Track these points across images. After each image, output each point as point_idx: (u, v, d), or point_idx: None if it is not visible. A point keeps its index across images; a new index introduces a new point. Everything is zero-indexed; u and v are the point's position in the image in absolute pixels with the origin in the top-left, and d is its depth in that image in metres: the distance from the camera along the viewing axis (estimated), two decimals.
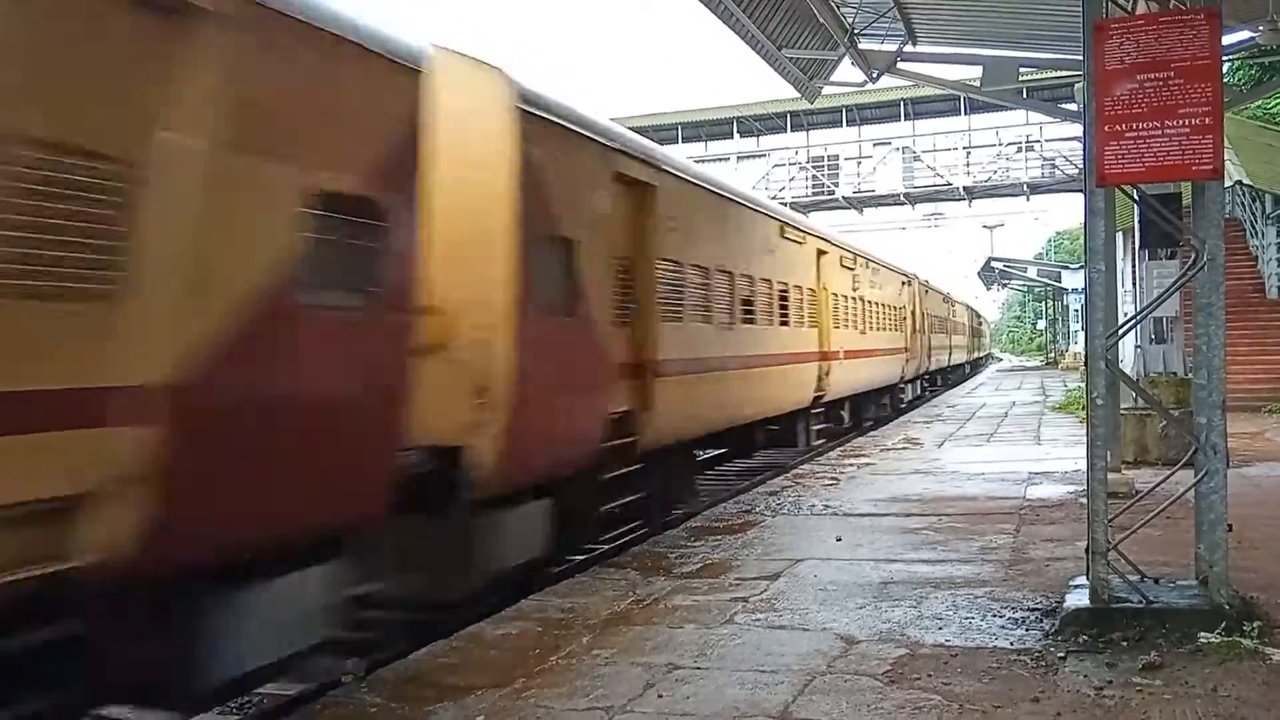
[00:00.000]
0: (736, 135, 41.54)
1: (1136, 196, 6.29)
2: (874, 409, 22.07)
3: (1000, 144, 37.78)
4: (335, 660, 5.71)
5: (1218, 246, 5.35)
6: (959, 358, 43.45)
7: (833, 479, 12.15)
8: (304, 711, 4.91)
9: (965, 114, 37.66)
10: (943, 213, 45.44)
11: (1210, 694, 4.43)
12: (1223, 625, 5.08)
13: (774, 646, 5.39)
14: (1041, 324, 73.78)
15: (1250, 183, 20.36)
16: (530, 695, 4.77)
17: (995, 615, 5.83)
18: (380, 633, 6.29)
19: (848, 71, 14.21)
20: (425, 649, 5.72)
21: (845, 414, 19.34)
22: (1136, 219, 13.06)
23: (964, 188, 38.02)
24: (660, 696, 4.68)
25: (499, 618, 6.28)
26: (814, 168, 39.63)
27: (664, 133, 37.40)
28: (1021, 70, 14.57)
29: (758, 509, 10.07)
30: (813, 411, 15.90)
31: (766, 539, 8.52)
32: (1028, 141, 37.20)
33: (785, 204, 28.73)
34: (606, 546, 8.66)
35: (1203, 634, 5.06)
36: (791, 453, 15.63)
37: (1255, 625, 5.11)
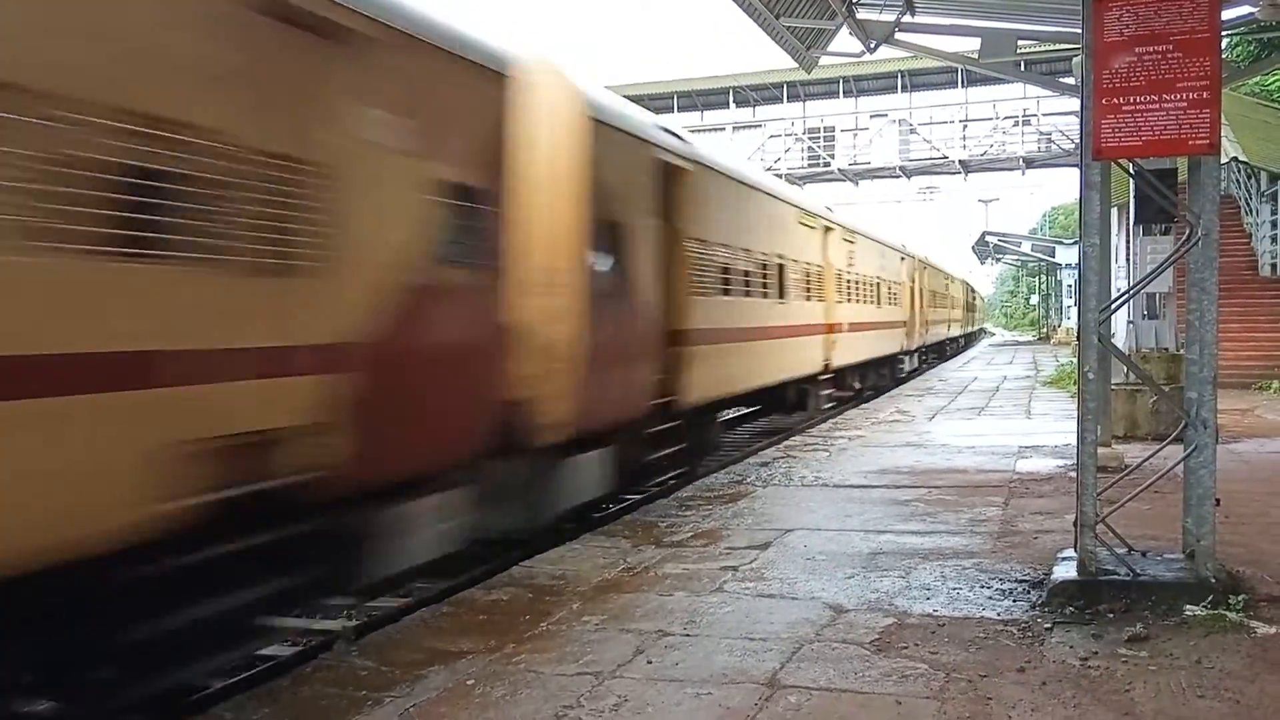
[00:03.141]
0: (733, 105, 41.31)
1: (1133, 171, 6.28)
2: (874, 378, 22.98)
3: (997, 118, 37.68)
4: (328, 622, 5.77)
5: (1212, 222, 5.35)
6: (954, 331, 43.80)
7: (824, 450, 12.20)
8: (295, 674, 4.93)
9: (962, 87, 37.52)
10: (938, 186, 45.39)
11: (1194, 665, 4.48)
12: (1208, 598, 5.13)
13: (763, 615, 5.43)
14: (1035, 299, 73.89)
15: (1246, 159, 20.33)
16: (520, 660, 4.81)
17: (983, 586, 5.88)
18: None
19: (845, 42, 14.07)
20: (416, 614, 5.76)
21: (855, 382, 20.57)
22: (1132, 194, 13.03)
23: (960, 161, 37.93)
24: (649, 663, 4.72)
25: (490, 583, 6.32)
26: (810, 139, 39.48)
27: (660, 101, 37.18)
28: (1020, 43, 14.47)
29: (749, 479, 10.10)
30: (821, 379, 16.88)
31: (757, 509, 8.56)
32: (1024, 115, 37.11)
33: (780, 175, 28.76)
34: (655, 489, 10.09)
35: (1188, 607, 5.11)
36: (798, 417, 16.70)
37: (1240, 599, 5.16)
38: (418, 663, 4.82)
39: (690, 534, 7.60)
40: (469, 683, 4.53)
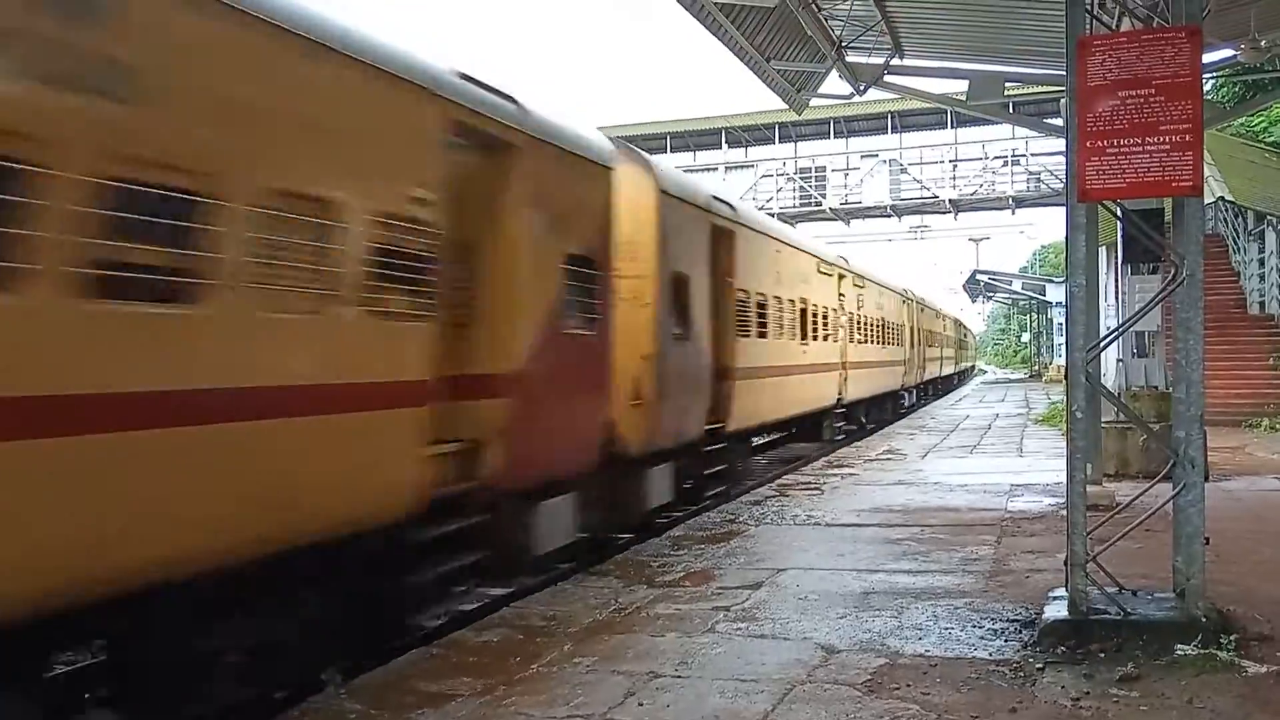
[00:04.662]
0: (725, 145, 41.65)
1: (1119, 212, 6.35)
2: (878, 412, 24.47)
3: (986, 157, 38.03)
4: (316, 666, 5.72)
5: (1197, 262, 5.41)
6: (947, 369, 44.17)
7: (816, 489, 12.19)
8: (283, 717, 4.89)
9: (952, 127, 37.90)
10: (929, 225, 45.73)
11: (1186, 705, 4.47)
12: (1199, 638, 5.12)
13: (755, 655, 5.41)
14: (1026, 337, 74.13)
15: (1233, 199, 20.55)
16: (510, 702, 4.78)
17: (975, 626, 5.86)
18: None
19: (835, 84, 14.29)
20: (406, 656, 5.72)
21: (862, 416, 22.36)
22: (1120, 234, 13.16)
23: (950, 200, 38.25)
24: (641, 705, 4.69)
25: (481, 625, 6.29)
26: (801, 179, 39.79)
27: (653, 142, 37.47)
28: (1007, 85, 14.68)
29: (741, 518, 10.09)
30: (835, 411, 18.88)
31: (749, 548, 8.54)
32: (1013, 155, 37.48)
33: (773, 214, 28.93)
34: (709, 500, 11.50)
35: (1179, 646, 5.10)
36: (812, 445, 18.54)
37: (1231, 638, 5.16)
38: (407, 705, 4.79)
39: (682, 574, 7.58)
40: None
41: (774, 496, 11.64)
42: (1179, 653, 5.06)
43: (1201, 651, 5.04)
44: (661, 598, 6.81)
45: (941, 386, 40.80)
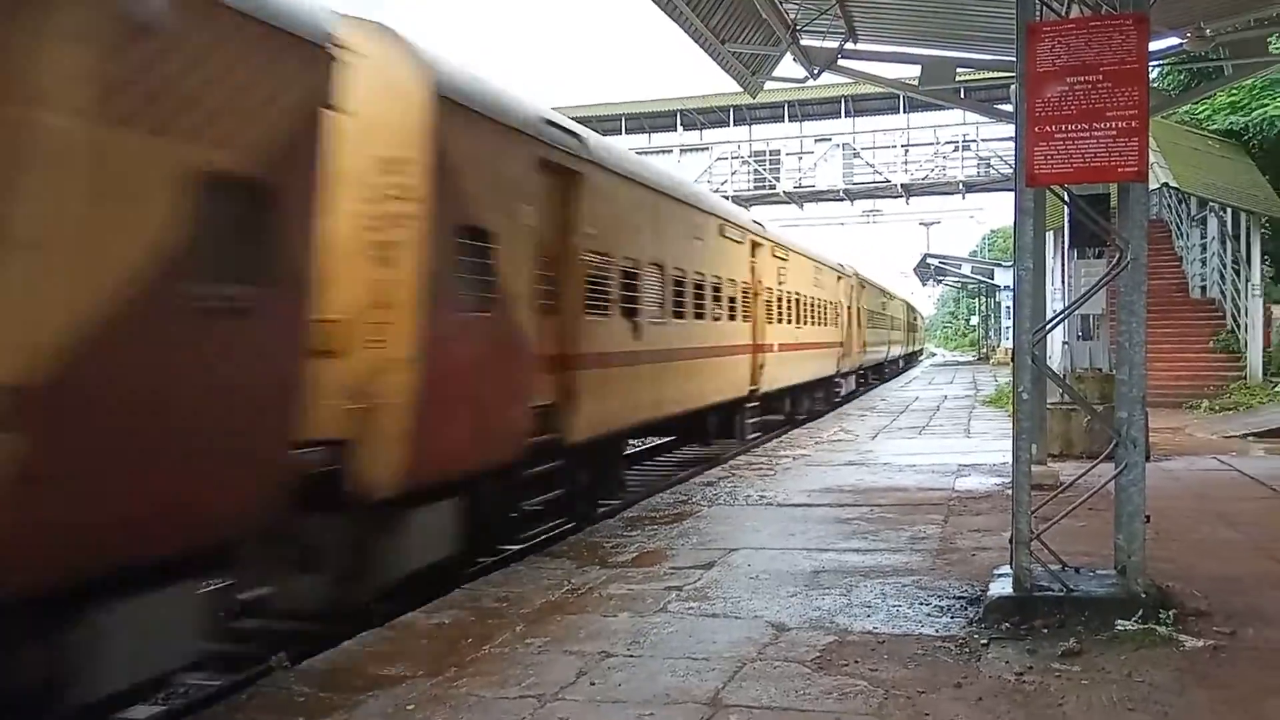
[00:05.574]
0: (680, 128, 41.62)
1: (1066, 197, 6.44)
2: (809, 402, 22.16)
3: (938, 143, 38.42)
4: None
5: (1141, 247, 5.50)
6: (895, 352, 43.83)
7: (769, 470, 12.28)
8: (230, 702, 4.84)
9: (904, 112, 38.23)
10: (881, 209, 46.15)
11: (1125, 679, 4.58)
12: (1139, 613, 5.25)
13: (706, 634, 5.45)
14: (975, 320, 75.14)
15: (1176, 185, 20.95)
16: (462, 684, 4.77)
17: (922, 603, 5.96)
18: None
19: (789, 68, 14.30)
20: (356, 638, 5.67)
21: (786, 406, 19.79)
22: (1066, 219, 13.37)
23: (902, 185, 38.62)
24: (592, 684, 4.71)
25: (432, 607, 6.26)
26: (756, 162, 39.90)
27: (608, 123, 37.35)
28: (959, 71, 14.80)
29: (694, 499, 10.14)
30: (748, 405, 16.12)
31: (702, 529, 8.59)
32: (964, 141, 37.91)
33: (727, 197, 28.86)
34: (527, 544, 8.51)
35: (1120, 621, 5.22)
36: (730, 445, 15.77)
37: (1170, 613, 5.29)
38: (358, 687, 4.76)
39: (635, 554, 7.60)
40: (409, 708, 4.48)
41: (726, 477, 11.71)
42: (1119, 628, 5.18)
43: (1141, 627, 5.17)
44: (614, 578, 6.82)
45: (888, 370, 40.83)
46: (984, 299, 66.24)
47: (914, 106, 36.93)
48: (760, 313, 16.76)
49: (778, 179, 39.57)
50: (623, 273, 10.26)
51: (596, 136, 10.20)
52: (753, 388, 16.19)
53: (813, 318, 21.80)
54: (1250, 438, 14.75)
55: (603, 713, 4.35)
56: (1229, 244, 21.72)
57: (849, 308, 27.57)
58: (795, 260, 20.12)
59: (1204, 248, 23.47)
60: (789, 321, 19.18)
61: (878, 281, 37.77)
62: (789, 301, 19.21)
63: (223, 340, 4.53)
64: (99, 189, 3.84)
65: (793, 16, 12.66)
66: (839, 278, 26.18)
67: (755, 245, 16.64)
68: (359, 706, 4.52)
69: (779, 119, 40.18)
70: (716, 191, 31.59)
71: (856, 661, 4.92)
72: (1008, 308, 46.70)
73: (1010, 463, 5.91)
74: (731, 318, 14.89)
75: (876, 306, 35.77)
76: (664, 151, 39.83)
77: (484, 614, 6.01)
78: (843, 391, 26.75)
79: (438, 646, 5.40)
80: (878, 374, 36.63)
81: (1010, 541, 5.65)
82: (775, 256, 18.17)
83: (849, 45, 13.15)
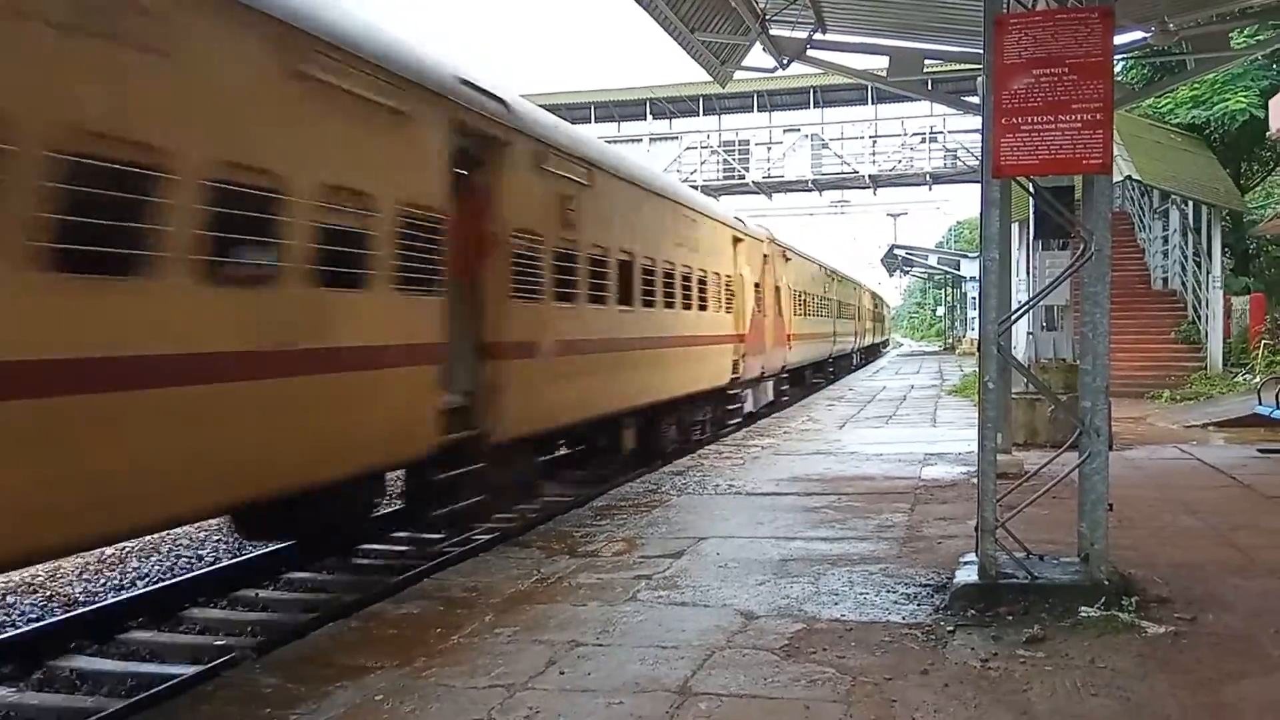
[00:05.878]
0: (649, 117, 41.53)
1: (1032, 189, 6.50)
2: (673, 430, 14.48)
3: (905, 134, 38.62)
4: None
5: (1104, 238, 5.57)
6: (857, 343, 42.61)
7: (738, 459, 12.33)
8: (196, 693, 4.79)
9: (872, 104, 38.33)
10: (849, 200, 46.33)
11: (1089, 665, 4.64)
12: (1102, 600, 5.33)
13: (675, 623, 5.46)
14: (941, 310, 75.80)
15: (1140, 178, 21.20)
16: (431, 674, 4.75)
17: (889, 591, 6.01)
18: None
19: (759, 58, 14.30)
20: (324, 629, 5.65)
21: (751, 405, 17.41)
22: (1031, 210, 13.50)
23: (870, 176, 38.77)
24: (562, 673, 4.71)
25: (401, 597, 6.23)
26: (725, 152, 39.93)
27: (577, 111, 37.20)
28: (927, 62, 14.87)
29: (663, 488, 10.16)
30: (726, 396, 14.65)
31: (671, 517, 8.61)
32: (931, 133, 38.11)
33: (696, 187, 28.48)
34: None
35: (1083, 608, 5.30)
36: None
37: (1132, 600, 5.37)
38: (325, 679, 4.73)
39: (605, 543, 7.61)
40: (378, 698, 4.46)
41: (695, 466, 11.74)
42: (1083, 615, 5.25)
43: (1104, 613, 5.24)
44: (584, 567, 6.83)
45: (853, 361, 40.76)
46: (950, 290, 66.83)
47: (882, 98, 37.05)
48: (698, 300, 13.62)
49: (747, 169, 39.61)
50: (556, 254, 9.41)
51: (527, 103, 9.31)
52: (734, 374, 14.25)
53: (679, 299, 13.91)
54: (1210, 427, 15.00)
55: (572, 701, 4.35)
56: (1190, 236, 22.04)
57: (770, 286, 20.25)
58: (715, 229, 15.31)
59: (1166, 240, 23.80)
60: (610, 301, 11.28)
61: (821, 258, 31.01)
62: (608, 266, 11.17)
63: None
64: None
65: (762, 6, 12.65)
66: (735, 240, 17.24)
67: (676, 206, 13.19)
68: (327, 697, 4.49)
69: (748, 109, 40.22)
70: (686, 181, 31.51)
71: (824, 649, 4.95)
72: (973, 298, 47.20)
73: (976, 451, 5.97)
74: (669, 306, 13.18)
75: (819, 289, 29.50)
76: (634, 140, 39.74)
77: (453, 604, 5.99)
78: (746, 409, 18.57)
79: (406, 636, 5.37)
80: (835, 370, 33.86)
81: (976, 529, 5.71)
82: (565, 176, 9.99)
83: (818, 35, 13.16)
